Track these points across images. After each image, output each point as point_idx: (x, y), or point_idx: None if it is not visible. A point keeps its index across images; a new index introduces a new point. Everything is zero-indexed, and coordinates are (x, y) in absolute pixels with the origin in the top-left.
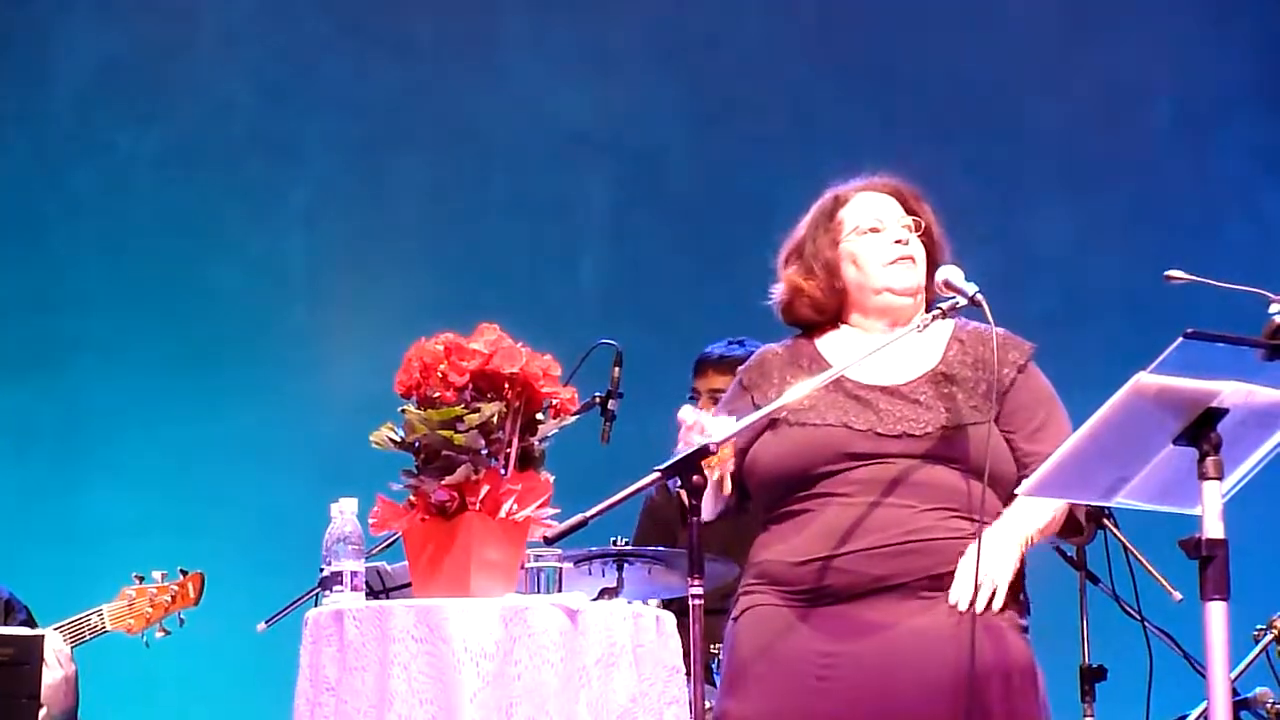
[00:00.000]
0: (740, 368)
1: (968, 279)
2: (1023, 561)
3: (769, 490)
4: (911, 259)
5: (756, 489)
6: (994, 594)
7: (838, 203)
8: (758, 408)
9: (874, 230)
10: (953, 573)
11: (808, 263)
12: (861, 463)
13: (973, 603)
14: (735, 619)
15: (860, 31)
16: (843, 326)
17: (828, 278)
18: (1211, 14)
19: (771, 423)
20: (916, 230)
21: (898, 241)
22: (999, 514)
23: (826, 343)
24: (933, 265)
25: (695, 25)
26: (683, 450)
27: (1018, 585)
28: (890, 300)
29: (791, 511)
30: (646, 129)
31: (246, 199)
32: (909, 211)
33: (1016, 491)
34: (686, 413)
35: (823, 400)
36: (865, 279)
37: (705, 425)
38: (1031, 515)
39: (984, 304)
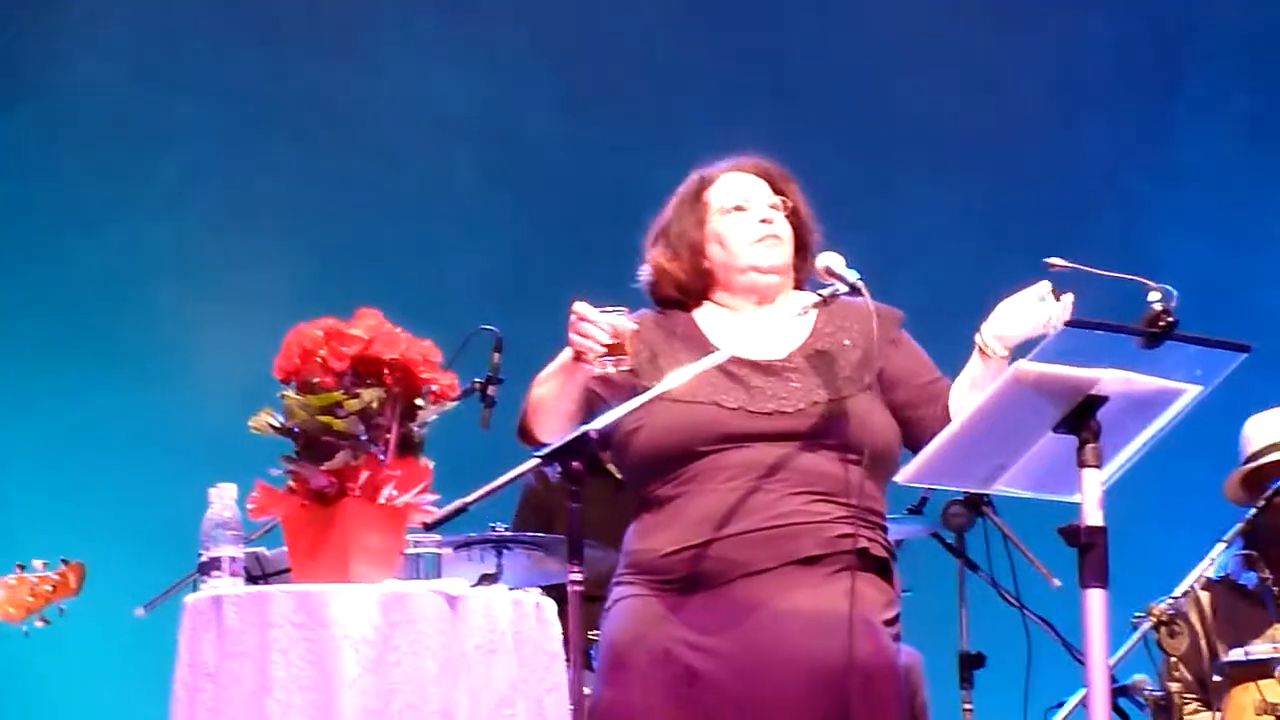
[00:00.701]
0: None
1: (847, 265)
2: (893, 553)
3: (642, 469)
4: (777, 237)
5: (630, 469)
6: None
7: (704, 183)
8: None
9: (739, 209)
10: (821, 556)
11: (673, 244)
12: (732, 445)
13: (852, 594)
14: (608, 609)
15: (730, 17)
16: (708, 304)
17: (692, 258)
18: None
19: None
20: (784, 210)
21: (763, 220)
22: (875, 497)
23: (700, 315)
24: (801, 246)
25: (565, 11)
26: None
27: (888, 575)
28: (755, 279)
29: (662, 498)
30: (518, 114)
31: (114, 182)
32: (777, 192)
33: (896, 479)
34: (583, 307)
35: (695, 376)
36: (730, 258)
37: (599, 322)
38: None
39: (864, 291)
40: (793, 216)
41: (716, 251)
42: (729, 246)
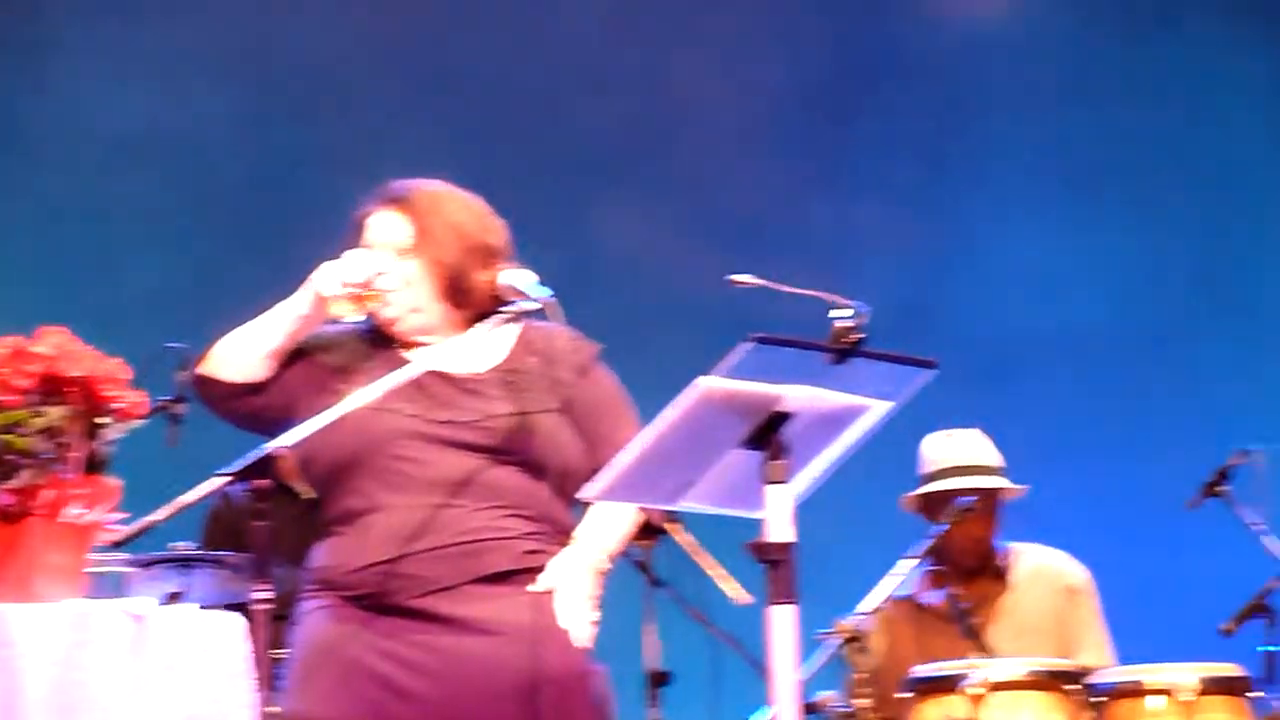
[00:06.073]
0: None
1: (536, 283)
2: None
3: (326, 480)
4: (387, 291)
5: (315, 480)
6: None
7: (361, 221)
8: (311, 353)
9: None
10: (509, 573)
11: None
12: (415, 457)
13: (540, 606)
14: (297, 623)
15: (416, 35)
16: None
17: None
18: (763, 19)
19: (325, 398)
20: (408, 250)
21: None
22: (562, 513)
23: None
24: (446, 270)
25: (248, 28)
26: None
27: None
28: (389, 328)
29: (349, 514)
30: (200, 132)
31: None
32: (410, 220)
33: (580, 495)
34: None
35: (382, 388)
36: None
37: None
38: (607, 533)
39: (551, 308)
40: (431, 244)
41: None
42: None
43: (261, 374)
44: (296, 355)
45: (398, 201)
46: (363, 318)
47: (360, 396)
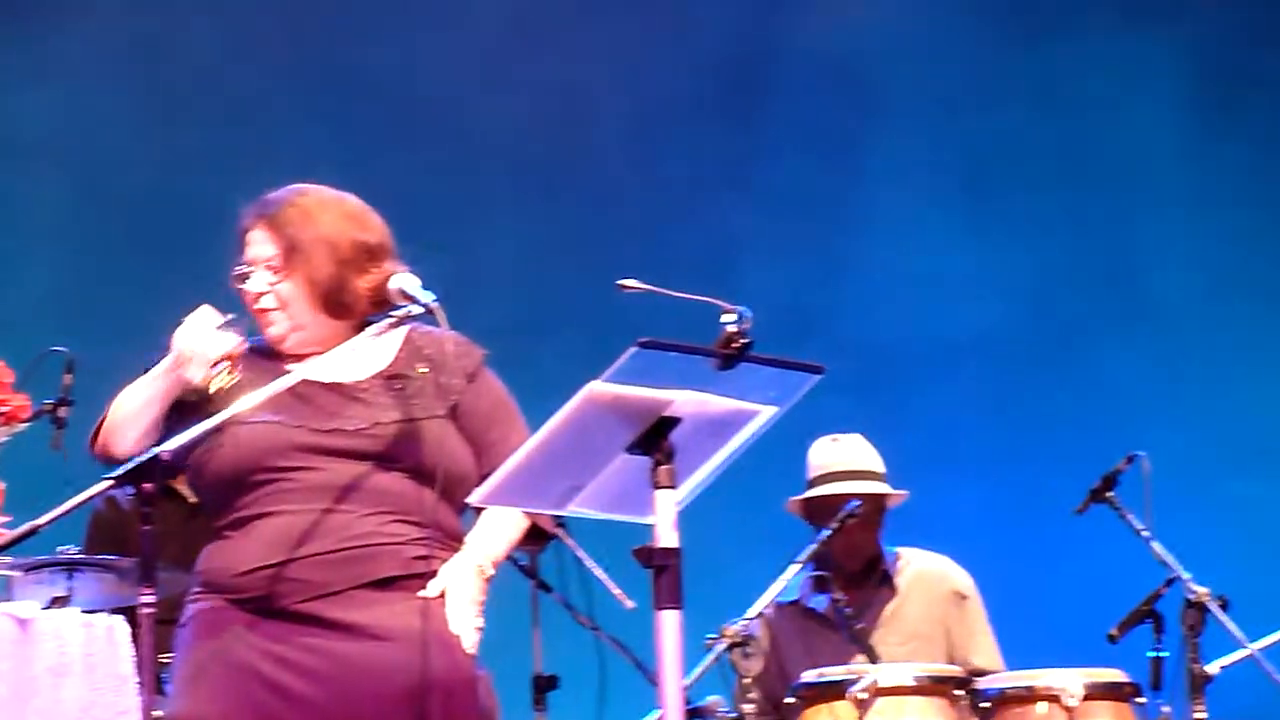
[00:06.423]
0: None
1: (424, 287)
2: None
3: (213, 491)
4: (265, 311)
5: (203, 492)
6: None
7: (243, 236)
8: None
9: (245, 276)
10: (396, 578)
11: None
12: (301, 464)
13: (428, 611)
14: (184, 625)
15: (309, 35)
16: None
17: None
18: (656, 20)
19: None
20: (279, 267)
21: (257, 296)
22: (450, 519)
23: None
24: (321, 286)
25: (146, 28)
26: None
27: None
28: (278, 346)
29: (237, 520)
30: (94, 134)
31: None
32: (279, 238)
33: (468, 500)
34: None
35: (265, 399)
36: None
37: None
38: (495, 539)
39: (439, 312)
40: (302, 265)
41: None
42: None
43: (154, 439)
44: (185, 402)
45: (266, 219)
46: (236, 378)
47: (240, 405)
